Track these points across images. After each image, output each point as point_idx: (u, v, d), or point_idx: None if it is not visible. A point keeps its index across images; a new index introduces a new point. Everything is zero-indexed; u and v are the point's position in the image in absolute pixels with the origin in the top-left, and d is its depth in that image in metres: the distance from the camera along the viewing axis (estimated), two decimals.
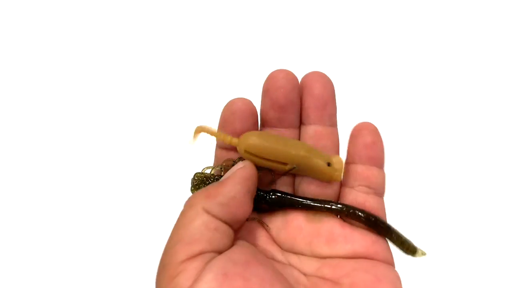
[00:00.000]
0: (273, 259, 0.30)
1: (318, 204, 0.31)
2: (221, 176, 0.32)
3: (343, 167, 0.31)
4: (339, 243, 0.31)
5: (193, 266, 0.24)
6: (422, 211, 0.56)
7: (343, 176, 0.32)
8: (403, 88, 0.62)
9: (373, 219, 0.31)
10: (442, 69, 0.62)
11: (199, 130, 0.32)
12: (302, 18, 0.63)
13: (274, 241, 0.32)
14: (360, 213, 0.31)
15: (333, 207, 0.31)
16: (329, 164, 0.31)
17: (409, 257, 0.33)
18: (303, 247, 0.31)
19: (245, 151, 0.30)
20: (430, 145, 0.59)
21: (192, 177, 0.33)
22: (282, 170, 0.32)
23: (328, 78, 0.32)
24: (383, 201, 0.32)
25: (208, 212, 0.26)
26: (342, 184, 0.33)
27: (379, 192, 0.32)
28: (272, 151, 0.30)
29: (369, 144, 0.31)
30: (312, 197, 0.32)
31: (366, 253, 0.31)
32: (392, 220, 0.32)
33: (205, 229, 0.26)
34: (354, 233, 0.31)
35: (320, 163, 0.31)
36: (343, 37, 0.63)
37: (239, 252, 0.27)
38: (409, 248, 0.32)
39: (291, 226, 0.32)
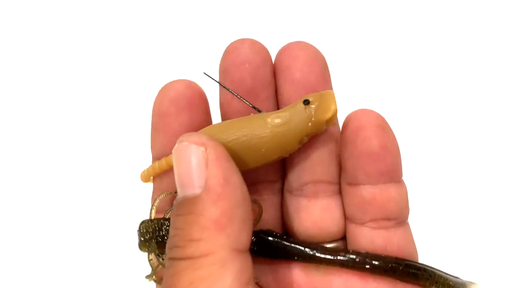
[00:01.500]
0: None
1: (328, 257, 0.21)
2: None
3: (335, 102, 0.20)
4: None
5: None
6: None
7: (346, 205, 0.22)
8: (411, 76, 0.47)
9: (412, 271, 0.21)
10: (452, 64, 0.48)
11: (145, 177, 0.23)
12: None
13: None
14: (397, 267, 0.21)
15: (356, 259, 0.21)
16: (307, 102, 0.20)
17: None
18: None
19: None
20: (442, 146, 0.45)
21: (138, 228, 0.23)
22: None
23: (317, 50, 0.21)
24: (409, 227, 0.22)
25: (238, 253, 0.17)
26: (346, 218, 0.22)
27: (402, 218, 0.21)
28: (233, 146, 0.20)
29: (377, 152, 0.20)
30: (307, 237, 0.22)
31: None
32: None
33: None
34: (382, 284, 0.21)
35: (297, 113, 0.20)
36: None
37: None
38: None
39: (283, 283, 0.22)
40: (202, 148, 0.18)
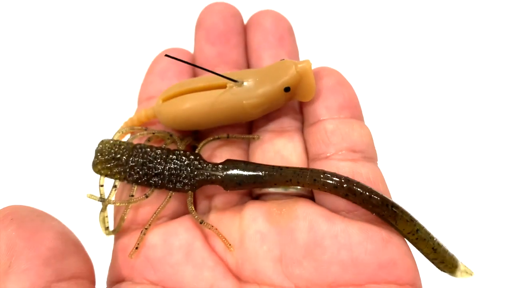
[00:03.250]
0: None
1: (305, 179, 0.19)
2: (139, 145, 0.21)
3: (314, 87, 0.20)
4: (328, 252, 0.18)
5: None
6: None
7: (309, 145, 0.21)
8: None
9: (391, 207, 0.18)
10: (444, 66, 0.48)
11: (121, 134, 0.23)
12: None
13: (229, 270, 0.20)
14: (368, 194, 0.18)
15: (331, 180, 0.19)
16: (287, 90, 0.20)
17: (446, 275, 0.20)
18: (270, 271, 0.19)
19: (165, 115, 0.22)
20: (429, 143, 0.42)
21: (96, 147, 0.22)
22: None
23: (282, 15, 0.24)
24: (380, 171, 0.20)
25: None
26: (310, 159, 0.21)
27: (370, 155, 0.20)
28: (198, 105, 0.21)
29: (333, 86, 0.21)
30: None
31: (377, 270, 0.18)
32: None
33: None
34: (350, 227, 0.18)
35: (276, 99, 0.21)
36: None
37: None
38: (446, 261, 0.19)
39: (247, 235, 0.19)
40: None
